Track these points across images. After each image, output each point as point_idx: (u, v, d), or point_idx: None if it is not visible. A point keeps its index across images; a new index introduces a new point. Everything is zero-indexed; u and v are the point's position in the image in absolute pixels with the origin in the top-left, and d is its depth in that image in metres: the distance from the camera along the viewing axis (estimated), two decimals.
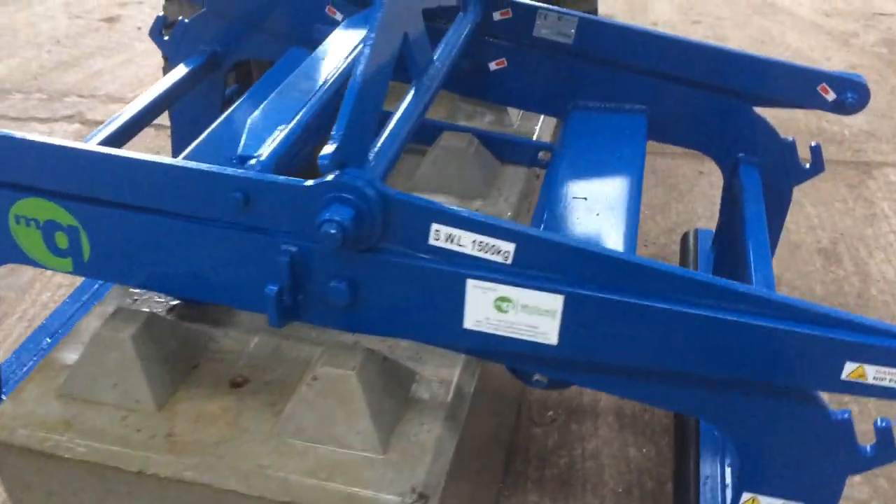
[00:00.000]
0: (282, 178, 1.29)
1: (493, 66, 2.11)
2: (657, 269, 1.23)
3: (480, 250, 1.27)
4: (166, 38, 2.26)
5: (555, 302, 1.26)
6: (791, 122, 4.14)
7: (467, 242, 1.27)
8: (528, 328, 1.30)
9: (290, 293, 1.34)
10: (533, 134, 2.28)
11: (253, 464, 1.31)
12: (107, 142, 1.87)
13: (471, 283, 1.29)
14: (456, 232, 1.27)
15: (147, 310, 1.48)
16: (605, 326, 1.27)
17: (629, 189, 1.78)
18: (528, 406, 2.49)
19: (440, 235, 1.28)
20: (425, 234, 1.28)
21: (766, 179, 2.04)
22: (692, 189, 3.68)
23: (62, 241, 1.43)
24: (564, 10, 2.02)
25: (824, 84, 1.93)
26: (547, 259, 1.26)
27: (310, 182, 1.26)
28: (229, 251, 1.36)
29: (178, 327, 1.52)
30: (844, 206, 3.61)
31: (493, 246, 1.27)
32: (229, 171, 1.30)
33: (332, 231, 1.21)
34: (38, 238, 1.43)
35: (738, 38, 5.32)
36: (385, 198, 1.26)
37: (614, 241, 1.60)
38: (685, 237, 2.65)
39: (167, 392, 1.42)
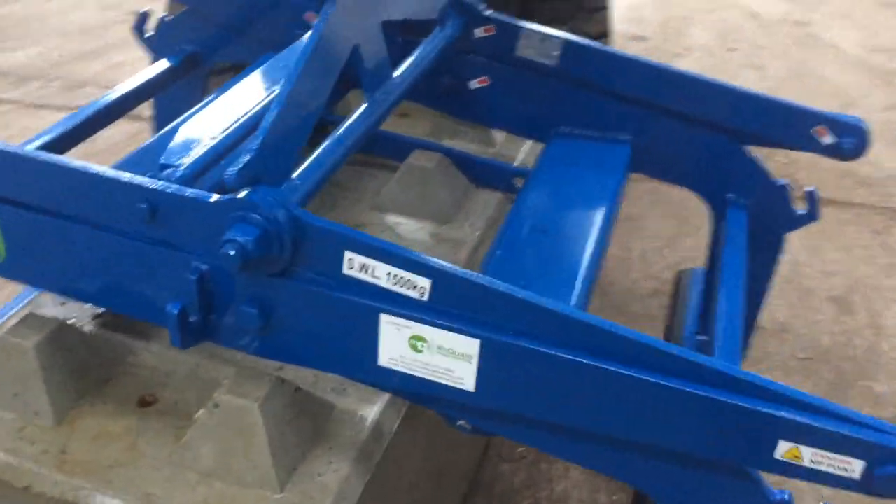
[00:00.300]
0: (189, 190, 1.21)
1: (474, 84, 2.01)
2: (578, 320, 1.12)
3: (395, 284, 1.18)
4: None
5: (471, 346, 1.16)
6: (817, 161, 3.94)
7: (382, 274, 1.18)
8: (444, 371, 1.20)
9: (199, 312, 1.26)
10: (515, 158, 2.17)
11: (142, 492, 1.23)
12: (71, 133, 1.81)
13: (384, 319, 1.19)
14: (370, 262, 1.18)
15: (59, 317, 1.41)
16: (524, 377, 1.16)
17: (597, 225, 1.67)
18: (498, 440, 2.38)
19: (354, 264, 1.19)
20: (339, 262, 1.19)
21: (755, 223, 1.91)
22: (706, 223, 3.52)
23: None
24: (550, 31, 1.92)
25: (821, 126, 1.80)
26: (464, 299, 1.16)
27: (215, 197, 1.18)
28: (139, 264, 1.28)
29: (93, 338, 1.45)
30: (866, 252, 3.43)
31: (409, 280, 1.17)
32: (137, 179, 1.23)
33: (231, 252, 1.13)
34: None
35: (775, 68, 5.14)
36: (296, 221, 1.17)
37: (567, 281, 1.49)
38: (679, 277, 2.51)
39: (69, 406, 1.35)
